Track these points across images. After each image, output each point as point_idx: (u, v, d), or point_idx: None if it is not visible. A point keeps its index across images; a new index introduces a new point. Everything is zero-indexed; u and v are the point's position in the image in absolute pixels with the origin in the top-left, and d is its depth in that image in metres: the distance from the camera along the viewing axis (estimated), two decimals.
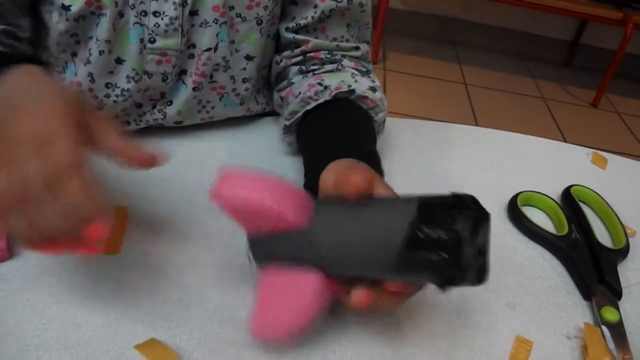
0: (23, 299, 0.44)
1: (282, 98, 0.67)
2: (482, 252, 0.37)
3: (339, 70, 0.64)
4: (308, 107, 0.60)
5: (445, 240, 0.35)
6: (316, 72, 0.64)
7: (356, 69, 0.65)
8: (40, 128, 0.36)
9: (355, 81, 0.62)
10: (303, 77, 0.65)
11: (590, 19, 2.76)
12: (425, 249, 0.36)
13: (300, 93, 0.62)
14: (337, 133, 0.57)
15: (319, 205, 0.43)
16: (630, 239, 0.61)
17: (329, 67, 0.64)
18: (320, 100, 0.60)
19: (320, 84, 0.61)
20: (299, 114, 0.61)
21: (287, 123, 0.63)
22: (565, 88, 2.99)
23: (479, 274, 0.37)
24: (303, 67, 0.65)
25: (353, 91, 0.60)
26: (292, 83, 0.66)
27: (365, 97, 0.61)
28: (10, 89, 0.41)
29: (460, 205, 0.36)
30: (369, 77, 0.66)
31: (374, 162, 0.52)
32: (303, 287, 0.42)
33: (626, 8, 2.65)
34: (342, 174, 0.42)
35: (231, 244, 0.51)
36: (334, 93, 0.60)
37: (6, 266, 0.46)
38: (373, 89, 0.62)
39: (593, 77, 3.12)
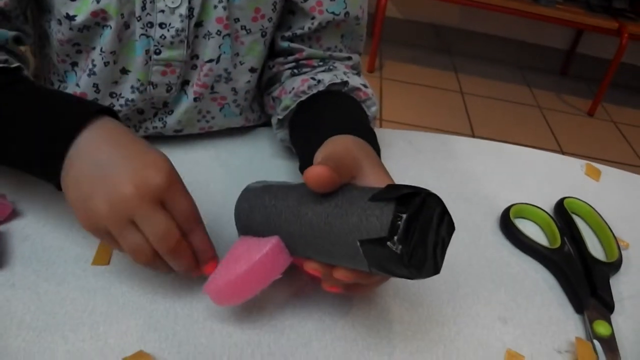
0: (10, 310, 0.44)
1: (274, 98, 0.66)
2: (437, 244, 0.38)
3: (331, 70, 0.64)
4: (302, 98, 0.60)
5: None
6: (309, 73, 0.64)
7: (348, 70, 0.65)
8: (152, 180, 0.40)
9: (348, 77, 0.62)
10: (295, 77, 0.65)
11: (586, 29, 2.77)
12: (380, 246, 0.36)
13: (293, 89, 0.62)
14: (332, 117, 0.56)
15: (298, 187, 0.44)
16: (623, 252, 0.61)
17: (321, 69, 0.64)
18: (315, 91, 0.60)
19: (313, 78, 0.61)
20: (293, 106, 0.61)
21: (280, 117, 0.63)
22: (561, 97, 3.00)
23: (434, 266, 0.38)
24: (295, 71, 0.65)
25: (346, 83, 0.61)
26: (284, 83, 0.66)
27: (359, 89, 0.62)
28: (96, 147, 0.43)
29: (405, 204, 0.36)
30: (360, 77, 0.66)
31: (372, 139, 0.51)
32: (254, 249, 0.43)
33: (621, 18, 2.66)
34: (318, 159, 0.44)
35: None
36: (327, 84, 0.60)
37: None
38: (364, 85, 0.63)
39: (589, 87, 3.13)
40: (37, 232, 0.51)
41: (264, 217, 0.45)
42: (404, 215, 0.35)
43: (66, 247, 0.50)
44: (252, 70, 0.64)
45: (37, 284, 0.46)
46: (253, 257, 0.42)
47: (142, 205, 0.40)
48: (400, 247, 0.35)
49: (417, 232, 0.36)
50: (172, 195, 0.41)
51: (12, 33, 0.53)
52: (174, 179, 0.42)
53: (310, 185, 0.39)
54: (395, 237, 0.35)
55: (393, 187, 0.37)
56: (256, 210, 0.46)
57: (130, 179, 0.40)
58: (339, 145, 0.46)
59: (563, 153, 2.34)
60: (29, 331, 0.42)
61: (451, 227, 0.39)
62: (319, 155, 0.46)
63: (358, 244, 0.36)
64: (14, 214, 0.52)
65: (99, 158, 0.42)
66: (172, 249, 0.41)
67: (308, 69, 0.65)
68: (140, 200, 0.40)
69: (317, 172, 0.39)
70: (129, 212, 0.40)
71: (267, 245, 0.42)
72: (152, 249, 0.41)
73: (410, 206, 0.35)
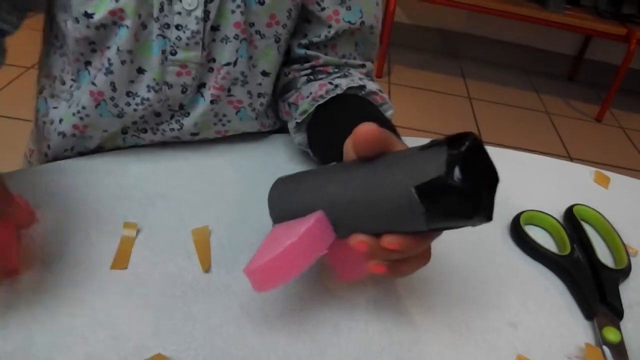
0: (31, 313, 0.45)
1: (290, 104, 0.68)
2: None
3: (347, 76, 0.65)
4: (320, 102, 0.62)
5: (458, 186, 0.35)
6: (325, 78, 0.66)
7: (363, 77, 0.67)
8: None
9: (364, 82, 0.63)
10: (312, 83, 0.66)
11: (594, 35, 2.77)
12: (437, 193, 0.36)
13: (311, 93, 0.63)
14: (352, 116, 0.57)
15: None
16: (632, 259, 0.61)
17: (337, 75, 0.66)
18: (333, 94, 0.61)
19: (331, 83, 0.63)
20: (311, 110, 0.63)
21: (299, 120, 0.64)
22: (569, 103, 3.00)
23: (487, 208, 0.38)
24: (311, 77, 0.67)
25: (364, 87, 0.62)
26: (300, 89, 0.67)
27: (375, 93, 0.63)
28: None
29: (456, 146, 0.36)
30: (374, 83, 0.67)
31: (393, 130, 0.52)
32: (297, 226, 0.42)
33: (630, 24, 2.67)
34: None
35: (237, 258, 0.52)
36: (345, 88, 0.61)
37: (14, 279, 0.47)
38: (380, 90, 0.64)
39: (597, 92, 3.13)
40: (57, 237, 0.52)
41: (304, 195, 0.44)
42: (459, 153, 0.35)
43: (85, 252, 0.51)
44: (263, 73, 0.65)
45: (58, 287, 0.47)
46: (298, 231, 0.41)
47: None
48: (461, 178, 0.35)
49: (471, 169, 0.36)
50: None
51: None
52: None
53: (359, 141, 0.39)
54: (454, 172, 0.35)
55: (438, 138, 0.37)
56: (296, 189, 0.45)
57: None
58: None
59: (571, 158, 2.34)
60: (50, 333, 0.43)
61: (495, 176, 0.39)
62: (349, 142, 0.45)
63: (414, 191, 0.36)
64: (35, 219, 0.53)
65: None
66: None
67: (324, 75, 0.66)
68: None
69: (368, 127, 0.39)
70: None
71: (312, 218, 0.41)
72: None
73: (462, 146, 0.36)
